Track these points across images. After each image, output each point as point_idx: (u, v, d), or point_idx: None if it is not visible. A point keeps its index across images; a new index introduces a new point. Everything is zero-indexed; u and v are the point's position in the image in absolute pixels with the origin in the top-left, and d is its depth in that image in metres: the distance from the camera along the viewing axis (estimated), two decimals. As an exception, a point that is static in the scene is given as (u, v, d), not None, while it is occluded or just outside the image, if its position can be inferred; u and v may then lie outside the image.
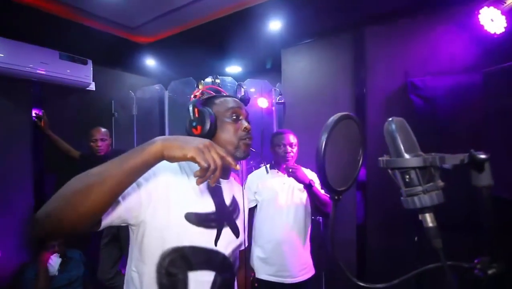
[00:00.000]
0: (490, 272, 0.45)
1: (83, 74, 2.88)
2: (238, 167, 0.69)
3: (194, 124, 0.91)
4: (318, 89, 2.62)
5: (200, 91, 1.00)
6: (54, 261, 2.18)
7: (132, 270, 0.85)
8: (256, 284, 1.81)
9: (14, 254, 2.50)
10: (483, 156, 0.44)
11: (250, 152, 0.96)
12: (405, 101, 2.08)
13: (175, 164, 0.85)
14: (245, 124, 0.95)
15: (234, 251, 0.93)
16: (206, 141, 0.66)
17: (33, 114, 2.67)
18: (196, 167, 0.84)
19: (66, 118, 2.98)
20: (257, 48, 2.95)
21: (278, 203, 1.86)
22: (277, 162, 1.93)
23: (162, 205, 0.79)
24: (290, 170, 1.71)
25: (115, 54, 3.09)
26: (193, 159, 0.62)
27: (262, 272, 1.83)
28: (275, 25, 2.52)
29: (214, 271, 0.85)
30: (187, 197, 0.84)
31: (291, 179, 1.89)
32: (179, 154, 0.62)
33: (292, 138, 1.88)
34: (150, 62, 3.34)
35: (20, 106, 2.64)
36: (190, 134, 0.93)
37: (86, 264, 2.45)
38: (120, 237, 2.56)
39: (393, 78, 2.22)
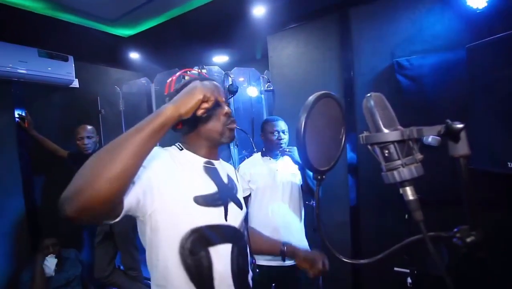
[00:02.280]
0: (468, 240, 0.46)
1: (65, 71, 2.80)
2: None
3: None
4: (306, 74, 2.60)
5: (174, 80, 0.97)
6: (50, 262, 2.17)
7: (153, 258, 0.87)
8: (257, 270, 1.84)
9: (7, 257, 2.48)
10: (458, 126, 0.44)
11: (234, 136, 0.99)
12: (393, 81, 2.08)
13: (167, 157, 0.89)
14: (226, 109, 0.96)
15: (242, 222, 1.00)
16: (196, 84, 0.76)
17: (16, 115, 2.61)
18: (184, 161, 0.93)
19: (51, 117, 2.92)
20: (242, 36, 2.90)
21: (273, 189, 1.88)
22: (270, 148, 1.95)
23: (169, 193, 0.83)
24: (287, 150, 1.86)
25: (97, 48, 3.01)
26: (206, 98, 0.75)
27: (261, 258, 1.86)
28: (259, 10, 2.47)
29: (230, 243, 0.91)
30: (190, 183, 0.89)
31: (283, 164, 1.92)
32: (192, 103, 0.72)
33: (284, 125, 1.94)
34: (134, 55, 3.26)
35: (1, 107, 2.57)
36: (172, 129, 0.91)
37: (82, 263, 2.45)
38: (114, 234, 2.56)
39: (380, 58, 2.22)
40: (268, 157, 1.95)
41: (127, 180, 0.65)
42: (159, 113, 0.69)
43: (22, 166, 2.63)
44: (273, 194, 1.87)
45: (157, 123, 0.67)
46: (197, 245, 0.85)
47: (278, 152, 1.91)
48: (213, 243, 0.87)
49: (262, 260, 1.85)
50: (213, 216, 0.90)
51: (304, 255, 1.21)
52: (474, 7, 1.79)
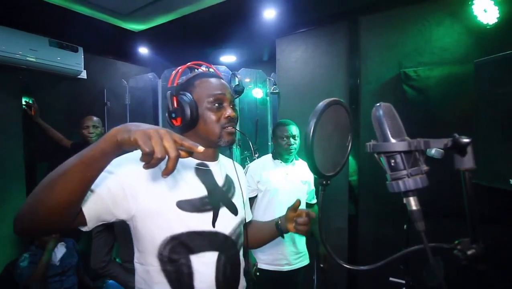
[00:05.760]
0: (469, 252, 0.47)
1: (74, 62, 2.83)
2: (200, 149, 0.59)
3: (173, 115, 0.87)
4: (313, 79, 2.61)
5: (179, 76, 0.91)
6: (60, 250, 2.18)
7: (135, 261, 0.87)
8: (257, 273, 1.84)
9: (6, 243, 2.50)
10: (466, 140, 0.45)
11: (234, 140, 0.92)
12: (399, 91, 2.09)
13: None
14: (229, 112, 0.89)
15: (235, 228, 0.93)
16: (161, 128, 0.58)
17: (23, 102, 2.63)
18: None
19: (57, 106, 2.93)
20: (251, 38, 2.92)
21: (281, 193, 1.88)
22: (280, 153, 1.95)
23: (147, 199, 0.79)
24: None
25: (107, 41, 3.03)
26: (135, 143, 0.55)
27: (261, 262, 1.86)
28: (269, 13, 2.49)
29: (217, 250, 0.86)
30: (175, 187, 0.83)
31: (293, 169, 1.93)
32: (126, 136, 0.56)
33: (295, 130, 1.92)
34: (143, 50, 3.28)
35: (9, 94, 2.58)
36: (170, 125, 0.90)
37: (79, 252, 2.46)
38: (114, 224, 2.57)
39: (387, 68, 2.22)
40: (279, 160, 1.96)
41: (68, 207, 0.63)
42: (102, 138, 0.60)
43: (26, 153, 2.65)
44: (280, 198, 1.87)
45: (97, 148, 0.59)
46: (176, 253, 0.81)
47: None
48: (195, 251, 0.83)
49: (261, 264, 1.86)
50: (198, 222, 0.84)
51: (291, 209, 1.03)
52: (484, 22, 1.80)
